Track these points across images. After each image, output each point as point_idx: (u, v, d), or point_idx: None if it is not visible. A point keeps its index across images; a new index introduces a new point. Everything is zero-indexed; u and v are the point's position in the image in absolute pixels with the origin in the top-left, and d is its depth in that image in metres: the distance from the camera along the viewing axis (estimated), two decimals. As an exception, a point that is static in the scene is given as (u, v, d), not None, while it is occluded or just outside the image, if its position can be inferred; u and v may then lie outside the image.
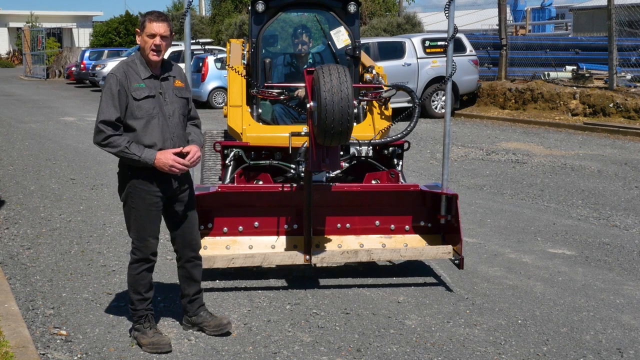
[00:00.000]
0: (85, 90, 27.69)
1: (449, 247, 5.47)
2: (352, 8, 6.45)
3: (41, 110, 19.43)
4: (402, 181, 6.14)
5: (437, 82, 16.11)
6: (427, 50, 16.86)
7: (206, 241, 5.46)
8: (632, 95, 14.96)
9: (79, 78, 30.44)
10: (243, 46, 7.70)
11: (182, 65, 4.91)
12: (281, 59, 6.88)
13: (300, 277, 5.66)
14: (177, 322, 4.75)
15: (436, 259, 6.02)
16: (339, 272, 5.82)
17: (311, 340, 4.54)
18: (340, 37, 6.47)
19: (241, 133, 6.26)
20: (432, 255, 5.54)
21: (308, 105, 4.94)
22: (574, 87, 16.33)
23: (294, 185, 5.53)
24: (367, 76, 6.66)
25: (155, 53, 4.20)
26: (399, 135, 6.20)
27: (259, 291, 5.38)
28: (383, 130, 6.36)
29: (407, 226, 5.79)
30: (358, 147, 5.96)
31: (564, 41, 22.03)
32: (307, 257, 5.31)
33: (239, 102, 6.43)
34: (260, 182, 5.97)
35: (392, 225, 5.77)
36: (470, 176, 9.94)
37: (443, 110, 5.51)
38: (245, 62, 7.14)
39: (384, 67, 7.62)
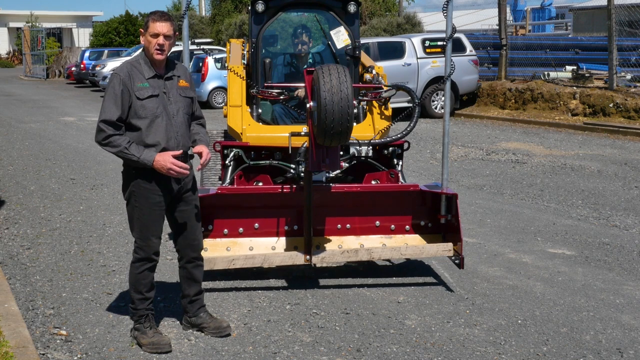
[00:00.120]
0: (85, 90, 27.70)
1: (449, 245, 5.47)
2: (352, 8, 6.44)
3: (41, 110, 19.43)
4: (402, 181, 6.14)
5: (437, 82, 16.11)
6: (427, 50, 16.86)
7: (206, 243, 5.45)
8: (632, 95, 14.96)
9: (78, 78, 30.45)
10: (243, 46, 7.69)
11: None
12: (281, 59, 6.88)
13: (300, 277, 5.66)
14: (177, 322, 4.75)
15: (436, 258, 6.02)
16: (339, 272, 5.82)
17: (311, 340, 4.54)
18: (340, 37, 6.46)
19: (241, 133, 6.25)
20: (432, 253, 5.53)
21: (308, 105, 4.94)
22: (574, 87, 16.33)
23: (294, 186, 5.53)
24: (367, 76, 6.66)
25: (159, 52, 4.20)
26: (398, 135, 6.19)
27: (259, 291, 5.38)
28: (383, 130, 6.36)
29: (407, 226, 5.79)
30: (358, 147, 5.96)
31: (564, 41, 22.02)
32: (308, 257, 5.31)
33: (239, 102, 6.43)
34: (260, 184, 5.97)
35: (393, 226, 5.77)
36: (470, 176, 9.94)
37: (443, 110, 5.52)
38: (245, 62, 7.14)
39: (384, 67, 7.62)
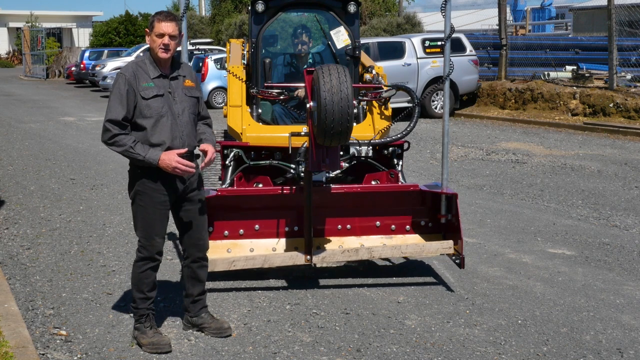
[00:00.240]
0: (85, 90, 27.69)
1: (450, 242, 5.47)
2: (352, 8, 6.44)
3: (41, 110, 19.43)
4: (402, 181, 6.14)
5: (437, 82, 16.10)
6: (427, 50, 16.86)
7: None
8: (632, 95, 14.96)
9: (78, 78, 30.45)
10: (243, 46, 7.69)
11: None
12: (281, 59, 6.88)
13: (300, 277, 5.66)
14: (177, 322, 4.75)
15: (437, 258, 6.02)
16: (339, 272, 5.82)
17: (311, 340, 4.54)
18: (340, 37, 6.46)
19: (241, 133, 6.25)
20: (433, 250, 5.53)
21: (308, 105, 4.94)
22: (574, 87, 16.33)
23: (294, 187, 5.53)
24: (367, 76, 6.65)
25: (164, 51, 4.22)
26: (398, 135, 6.19)
27: (259, 291, 5.37)
28: (383, 130, 6.36)
29: (407, 226, 5.79)
30: (358, 147, 5.95)
31: (564, 41, 22.02)
32: (308, 257, 5.31)
33: (239, 102, 6.43)
34: (260, 185, 5.96)
35: (393, 226, 5.77)
36: (470, 176, 9.94)
37: (443, 110, 5.52)
38: (245, 62, 7.14)
39: (384, 67, 7.62)
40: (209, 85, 19.81)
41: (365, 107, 6.60)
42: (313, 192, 5.25)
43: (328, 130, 4.70)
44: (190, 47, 20.68)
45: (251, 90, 6.46)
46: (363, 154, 6.00)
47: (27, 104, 21.10)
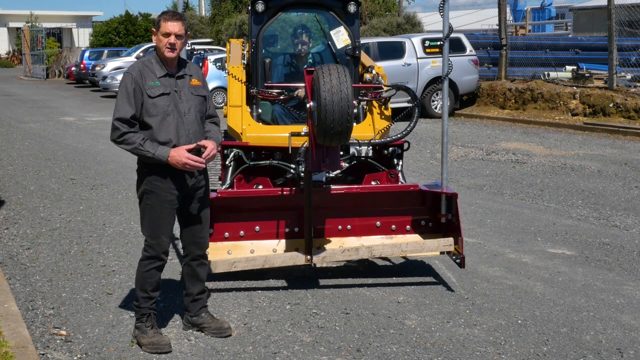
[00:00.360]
0: (85, 90, 27.69)
1: (450, 240, 5.47)
2: (352, 8, 6.44)
3: (41, 110, 19.43)
4: (402, 181, 6.14)
5: (437, 82, 16.11)
6: (427, 50, 16.86)
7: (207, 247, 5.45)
8: (632, 95, 14.96)
9: (78, 78, 30.45)
10: (243, 46, 7.69)
11: None
12: (281, 59, 6.88)
13: (300, 277, 5.66)
14: (177, 322, 4.75)
15: (439, 258, 6.02)
16: (339, 272, 5.82)
17: (311, 340, 4.54)
18: (340, 37, 6.46)
19: (241, 133, 6.26)
20: (433, 248, 5.52)
21: (308, 105, 4.94)
22: (574, 87, 16.33)
23: (294, 188, 5.53)
24: (367, 76, 6.65)
25: (170, 50, 4.25)
26: (398, 135, 6.19)
27: (259, 291, 5.37)
28: (383, 130, 6.36)
29: (407, 226, 5.79)
30: (358, 147, 5.95)
31: (564, 41, 22.02)
32: (308, 257, 5.31)
33: (239, 102, 6.43)
34: (260, 187, 5.96)
35: (393, 226, 5.77)
36: (470, 176, 9.94)
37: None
38: (245, 62, 7.14)
39: (384, 67, 7.61)
40: (209, 85, 19.79)
41: (365, 107, 6.60)
42: (313, 192, 5.25)
43: (328, 130, 4.71)
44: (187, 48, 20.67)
45: (251, 90, 6.46)
46: (363, 154, 6.00)
47: (27, 104, 21.10)
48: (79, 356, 4.28)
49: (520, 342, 4.52)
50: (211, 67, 19.88)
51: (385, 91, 6.54)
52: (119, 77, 24.22)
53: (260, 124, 6.47)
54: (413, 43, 16.89)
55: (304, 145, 5.47)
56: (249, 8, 6.58)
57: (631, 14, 16.93)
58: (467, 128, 15.46)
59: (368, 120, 6.48)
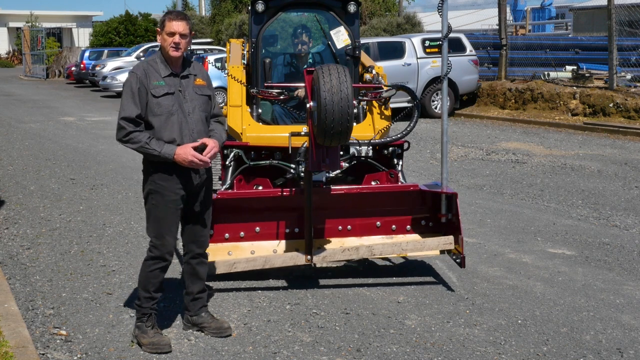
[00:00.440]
0: (85, 90, 27.69)
1: (450, 238, 5.47)
2: (352, 8, 6.44)
3: (41, 110, 19.43)
4: (402, 181, 6.14)
5: (437, 81, 16.11)
6: (427, 50, 16.86)
7: (208, 248, 5.45)
8: (632, 95, 14.96)
9: (78, 78, 30.44)
10: (243, 46, 7.69)
11: None
12: (281, 59, 6.88)
13: (300, 277, 5.66)
14: (177, 322, 4.76)
15: (440, 258, 6.02)
16: (339, 272, 5.82)
17: (311, 340, 4.54)
18: (340, 37, 6.46)
19: (241, 133, 6.26)
20: (433, 246, 5.53)
21: (308, 105, 4.94)
22: (574, 87, 16.33)
23: (294, 189, 5.53)
24: (367, 76, 6.65)
25: (174, 49, 4.27)
26: (398, 135, 6.19)
27: (259, 291, 5.38)
28: (383, 130, 6.36)
29: (408, 226, 5.79)
30: (358, 147, 5.96)
31: (564, 41, 22.01)
32: (309, 256, 5.31)
33: (239, 102, 6.43)
34: (260, 187, 5.96)
35: (394, 226, 5.77)
36: (470, 176, 9.94)
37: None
38: (245, 62, 7.14)
39: (384, 67, 7.61)
40: (209, 85, 19.77)
41: (365, 107, 6.60)
42: (313, 193, 5.25)
43: (328, 130, 4.71)
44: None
45: (251, 90, 6.46)
46: (363, 154, 6.00)
47: (27, 104, 21.09)
48: (79, 356, 4.28)
49: (520, 342, 4.52)
50: (211, 67, 19.85)
51: (385, 91, 6.54)
52: (119, 77, 24.25)
53: (260, 124, 6.48)
54: (413, 43, 16.89)
55: (304, 145, 5.47)
56: (249, 8, 6.58)
57: (631, 14, 16.93)
58: (467, 128, 15.46)
59: (368, 120, 6.48)
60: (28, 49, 39.77)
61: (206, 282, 4.74)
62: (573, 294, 5.35)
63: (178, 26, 4.27)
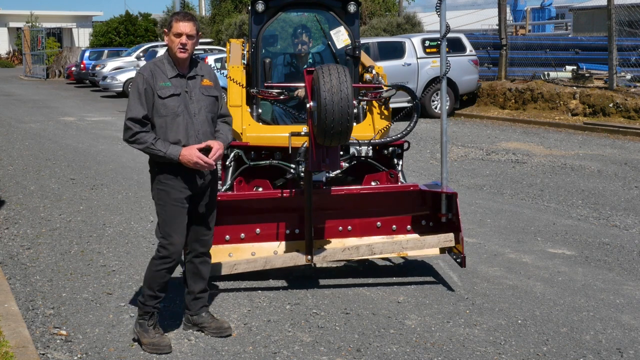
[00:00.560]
0: (85, 90, 27.69)
1: (451, 235, 5.47)
2: (352, 8, 6.44)
3: (41, 110, 19.43)
4: (402, 181, 6.14)
5: (437, 81, 16.10)
6: (427, 50, 16.86)
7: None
8: (632, 95, 14.96)
9: (78, 78, 30.46)
10: (243, 46, 7.69)
11: None
12: (281, 59, 6.88)
13: (300, 277, 5.66)
14: (177, 322, 4.75)
15: (442, 257, 6.02)
16: (339, 272, 5.82)
17: (311, 340, 4.54)
18: (340, 37, 6.46)
19: (241, 133, 6.26)
20: (434, 244, 5.52)
21: (308, 105, 4.94)
22: (574, 87, 16.33)
23: (294, 190, 5.53)
24: (367, 76, 6.65)
25: (182, 50, 4.29)
26: (398, 135, 6.19)
27: (259, 291, 5.38)
28: (383, 130, 6.36)
29: (408, 226, 5.79)
30: (358, 147, 5.95)
31: (564, 41, 22.01)
32: (309, 257, 5.31)
33: (239, 102, 6.43)
34: (260, 189, 5.96)
35: (394, 226, 5.77)
36: (470, 176, 9.94)
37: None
38: (245, 62, 7.14)
39: (384, 67, 7.61)
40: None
41: (365, 107, 6.60)
42: (313, 193, 5.25)
43: (328, 130, 4.71)
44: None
45: (251, 90, 6.47)
46: (363, 154, 6.00)
47: (27, 104, 21.10)
48: (79, 356, 4.28)
49: (520, 342, 4.52)
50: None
51: (385, 91, 6.54)
52: (119, 77, 24.27)
53: (260, 124, 6.48)
54: (413, 43, 16.90)
55: (304, 145, 5.47)
56: (249, 8, 6.58)
57: (631, 14, 16.93)
58: (467, 128, 15.47)
59: (368, 120, 6.48)
60: (28, 49, 39.78)
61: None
62: (573, 294, 5.35)
63: (185, 27, 4.28)
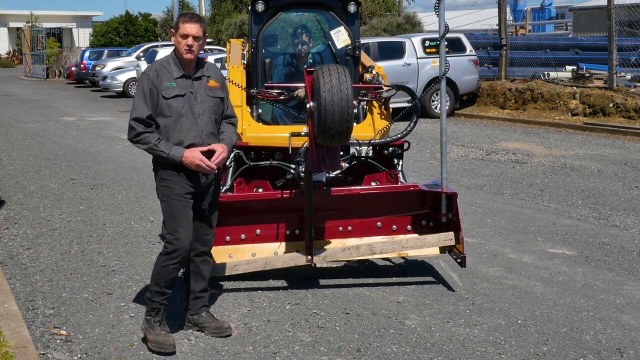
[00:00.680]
0: (85, 90, 27.69)
1: (451, 234, 5.47)
2: (352, 8, 6.44)
3: (41, 110, 19.43)
4: (403, 181, 6.14)
5: (437, 81, 16.10)
6: (427, 50, 16.86)
7: None
8: (632, 95, 14.96)
9: (78, 78, 30.47)
10: (243, 46, 7.69)
11: None
12: (281, 59, 6.88)
13: (300, 277, 5.66)
14: (177, 322, 4.75)
15: (442, 257, 6.02)
16: (339, 272, 5.82)
17: (311, 340, 4.54)
18: (340, 37, 6.46)
19: (241, 133, 6.26)
20: (434, 242, 5.52)
21: (308, 106, 4.94)
22: (574, 87, 16.33)
23: (294, 191, 5.53)
24: (367, 76, 6.65)
25: (188, 52, 4.30)
26: (399, 135, 6.19)
27: (259, 291, 5.38)
28: (383, 130, 6.36)
29: (408, 226, 5.79)
30: (358, 147, 5.95)
31: (564, 41, 22.01)
32: (309, 257, 5.31)
33: (239, 102, 6.43)
34: (260, 190, 5.96)
35: (394, 226, 5.77)
36: (470, 176, 9.94)
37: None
38: (245, 62, 7.14)
39: (384, 67, 7.61)
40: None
41: (365, 107, 6.60)
42: (313, 193, 5.25)
43: (328, 130, 4.71)
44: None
45: (251, 90, 6.47)
46: (363, 154, 6.00)
47: (27, 104, 21.10)
48: (79, 356, 4.28)
49: (520, 342, 4.52)
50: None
51: (386, 91, 6.54)
52: (119, 77, 24.29)
53: (260, 124, 6.48)
54: (413, 43, 16.90)
55: (304, 146, 5.47)
56: (249, 8, 6.58)
57: (631, 14, 16.93)
58: (467, 128, 15.47)
59: (368, 120, 6.48)
60: (28, 49, 39.79)
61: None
62: (573, 294, 5.35)
63: (191, 28, 4.28)
